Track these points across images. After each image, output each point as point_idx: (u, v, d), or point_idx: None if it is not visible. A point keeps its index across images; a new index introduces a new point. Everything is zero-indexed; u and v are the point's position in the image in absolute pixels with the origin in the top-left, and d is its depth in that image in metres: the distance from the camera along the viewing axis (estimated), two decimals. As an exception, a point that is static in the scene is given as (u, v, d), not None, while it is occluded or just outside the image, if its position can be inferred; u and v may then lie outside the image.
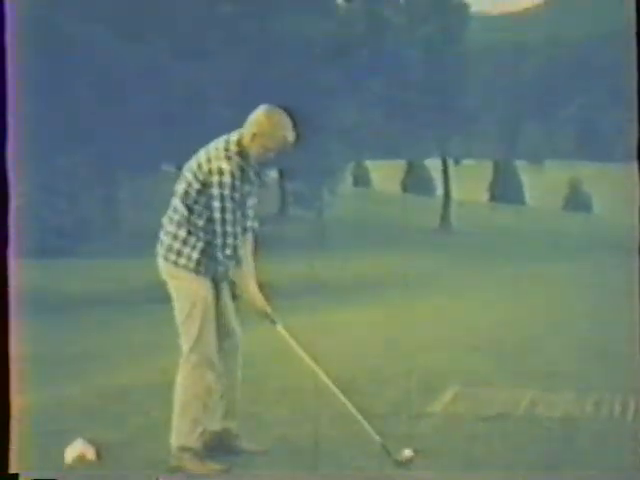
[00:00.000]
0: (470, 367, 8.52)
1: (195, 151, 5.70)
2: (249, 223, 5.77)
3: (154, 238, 5.79)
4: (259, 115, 5.62)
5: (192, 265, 5.64)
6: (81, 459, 5.79)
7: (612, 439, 6.17)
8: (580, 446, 6.03)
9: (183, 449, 5.64)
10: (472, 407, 7.03)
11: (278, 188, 44.88)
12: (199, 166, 5.57)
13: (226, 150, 5.57)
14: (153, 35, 35.99)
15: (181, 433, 5.66)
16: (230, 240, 5.54)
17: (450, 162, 52.39)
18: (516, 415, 6.80)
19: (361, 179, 59.44)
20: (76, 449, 5.84)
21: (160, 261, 5.75)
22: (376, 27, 44.05)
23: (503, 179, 58.63)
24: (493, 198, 58.50)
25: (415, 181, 57.98)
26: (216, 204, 5.50)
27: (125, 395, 7.70)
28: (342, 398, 5.76)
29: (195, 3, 37.94)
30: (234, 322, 5.85)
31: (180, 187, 5.66)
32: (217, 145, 5.62)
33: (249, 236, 5.82)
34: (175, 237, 5.66)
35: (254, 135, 5.58)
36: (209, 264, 5.64)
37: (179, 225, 5.66)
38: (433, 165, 54.95)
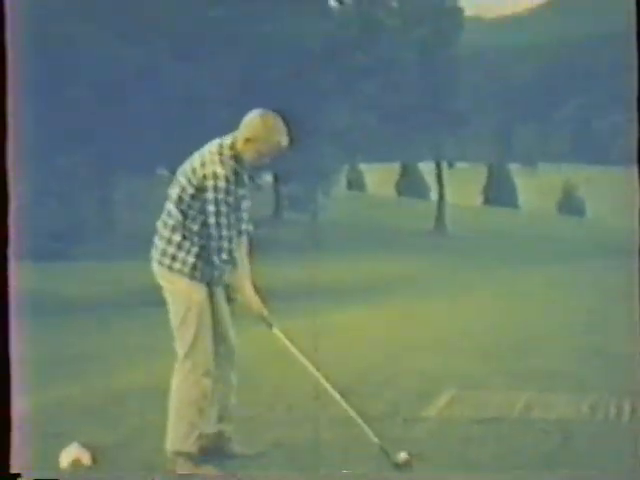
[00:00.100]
0: (465, 370, 8.53)
1: (190, 154, 5.68)
2: (244, 226, 5.76)
3: (150, 241, 5.79)
4: (253, 119, 5.60)
5: (187, 270, 5.63)
6: (76, 464, 5.78)
7: (608, 441, 6.19)
8: (576, 448, 6.04)
9: (179, 454, 5.64)
10: (468, 410, 7.05)
11: (272, 191, 44.91)
12: (193, 171, 5.54)
13: (220, 154, 5.54)
14: (150, 37, 35.96)
15: (177, 438, 5.64)
16: (225, 244, 5.52)
17: (444, 165, 52.44)
18: (511, 418, 6.81)
19: (355, 182, 59.57)
20: (71, 453, 5.82)
21: (155, 265, 5.73)
22: (370, 30, 44.05)
23: (497, 182, 58.75)
24: (487, 201, 58.64)
25: (409, 184, 58.14)
26: (211, 208, 5.48)
27: (121, 398, 7.70)
28: (340, 400, 5.77)
29: (191, 5, 37.91)
30: (229, 327, 5.84)
31: (174, 192, 5.64)
32: (211, 149, 5.59)
33: (244, 239, 5.81)
34: (169, 241, 5.65)
35: (248, 140, 5.56)
36: (204, 269, 5.63)
37: (173, 229, 5.64)
38: (427, 168, 55.07)
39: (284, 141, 5.62)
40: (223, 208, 5.48)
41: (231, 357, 5.83)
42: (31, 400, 6.81)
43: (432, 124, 46.07)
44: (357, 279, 26.46)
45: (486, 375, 8.26)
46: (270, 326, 5.73)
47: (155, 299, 6.02)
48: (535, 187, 59.79)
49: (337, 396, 5.77)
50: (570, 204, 57.65)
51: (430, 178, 54.15)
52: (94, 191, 35.59)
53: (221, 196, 5.47)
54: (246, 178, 5.67)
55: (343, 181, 55.04)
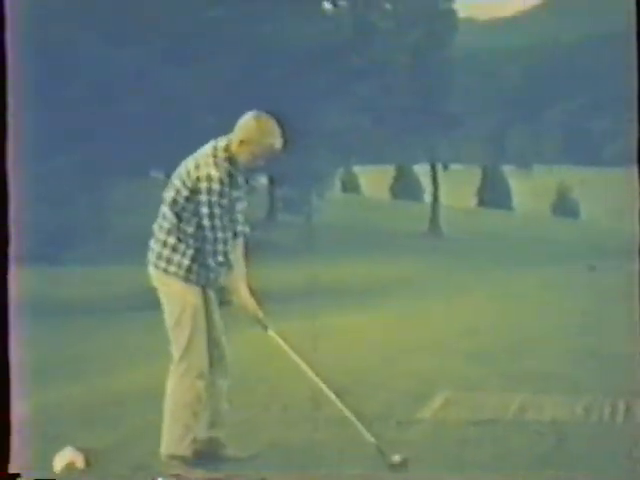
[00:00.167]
0: (460, 372, 8.54)
1: (185, 157, 5.69)
2: (239, 228, 5.75)
3: (146, 244, 5.80)
4: (247, 121, 5.60)
5: (182, 272, 5.63)
6: (70, 467, 5.76)
7: (602, 442, 6.20)
8: (570, 449, 6.05)
9: (173, 457, 5.64)
10: (462, 412, 7.06)
11: (267, 193, 44.89)
12: (187, 173, 5.55)
13: (214, 156, 5.55)
14: (142, 40, 35.90)
15: (171, 441, 5.64)
16: (220, 247, 5.53)
17: (439, 167, 52.43)
18: (506, 419, 6.82)
19: (350, 185, 59.51)
20: (65, 457, 5.80)
21: (151, 269, 5.74)
22: (364, 32, 44.02)
23: (491, 184, 58.76)
24: (481, 203, 58.63)
25: (403, 186, 58.10)
26: (204, 210, 5.49)
27: (119, 400, 7.71)
28: (336, 401, 5.78)
29: (184, 8, 37.87)
30: (222, 333, 5.84)
31: (168, 195, 5.64)
32: (205, 151, 5.60)
33: (240, 241, 5.80)
34: (165, 244, 5.66)
35: (242, 142, 5.56)
36: (200, 271, 5.63)
37: (169, 232, 5.64)
38: (421, 170, 55.06)
39: (278, 143, 5.62)
40: (217, 210, 5.49)
41: (223, 363, 5.82)
42: (30, 402, 6.83)
43: (426, 126, 46.06)
44: (352, 281, 26.45)
45: (481, 377, 8.27)
46: (265, 328, 5.74)
47: (152, 302, 6.03)
48: (529, 189, 59.79)
49: (332, 396, 5.78)
50: (564, 206, 57.66)
51: (425, 180, 54.14)
52: (87, 193, 35.47)
53: (215, 198, 5.47)
54: (241, 180, 5.67)
55: (337, 183, 54.99)
